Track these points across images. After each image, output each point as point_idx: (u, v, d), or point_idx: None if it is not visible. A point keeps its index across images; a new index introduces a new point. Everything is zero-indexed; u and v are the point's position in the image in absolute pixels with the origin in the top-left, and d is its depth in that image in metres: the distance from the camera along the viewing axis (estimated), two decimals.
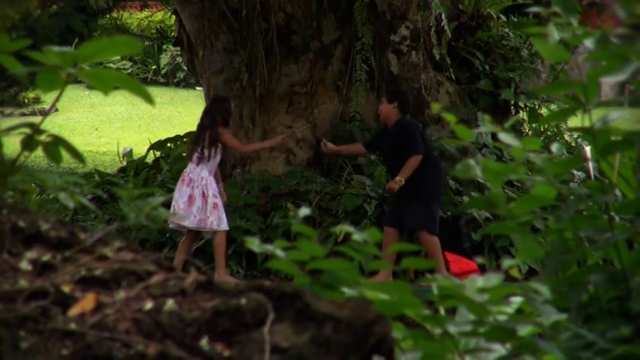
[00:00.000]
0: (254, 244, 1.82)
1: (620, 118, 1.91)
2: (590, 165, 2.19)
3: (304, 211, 1.85)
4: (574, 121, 2.09)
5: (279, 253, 1.80)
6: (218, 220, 8.48)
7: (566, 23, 1.91)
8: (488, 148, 10.02)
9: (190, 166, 8.57)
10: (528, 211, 1.90)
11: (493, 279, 1.77)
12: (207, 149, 8.50)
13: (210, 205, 8.45)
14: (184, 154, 11.00)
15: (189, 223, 8.42)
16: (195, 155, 8.52)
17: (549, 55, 1.89)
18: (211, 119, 8.54)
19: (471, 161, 1.88)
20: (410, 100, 8.93)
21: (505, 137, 1.91)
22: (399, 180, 8.21)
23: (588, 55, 1.90)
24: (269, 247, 1.81)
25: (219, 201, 8.54)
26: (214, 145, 8.50)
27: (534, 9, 1.98)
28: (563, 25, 1.91)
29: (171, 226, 8.63)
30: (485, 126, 1.94)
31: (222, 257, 8.51)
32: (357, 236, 1.81)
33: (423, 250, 8.28)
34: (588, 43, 1.88)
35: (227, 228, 8.53)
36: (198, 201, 8.44)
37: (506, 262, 1.83)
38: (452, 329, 1.77)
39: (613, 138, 1.92)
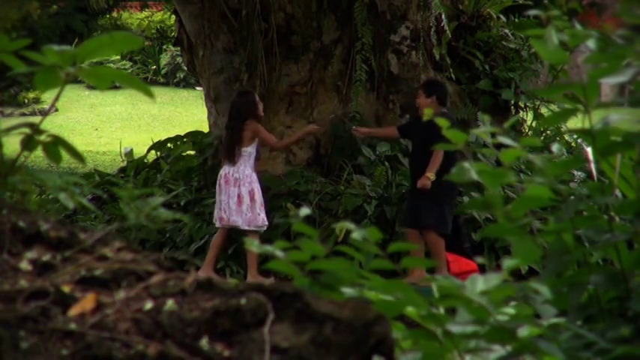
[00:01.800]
0: (254, 244, 1.82)
1: (620, 120, 1.91)
2: (593, 166, 2.19)
3: (305, 210, 1.85)
4: (573, 122, 2.09)
5: (279, 253, 1.80)
6: (264, 216, 8.56)
7: (565, 26, 1.91)
8: (488, 148, 10.00)
9: (233, 167, 8.55)
10: (525, 213, 1.90)
11: (493, 279, 1.77)
12: (245, 147, 8.51)
13: (258, 202, 8.52)
14: (184, 154, 11.00)
15: (242, 222, 8.45)
16: (237, 155, 8.52)
17: (548, 56, 1.89)
18: (240, 117, 8.52)
19: (466, 164, 1.88)
20: (446, 89, 8.92)
21: (502, 138, 1.91)
22: (430, 175, 8.10)
23: (587, 57, 1.90)
24: (269, 248, 1.81)
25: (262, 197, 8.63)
26: (252, 141, 8.51)
27: (533, 11, 1.98)
28: (562, 28, 1.91)
29: (218, 224, 8.60)
30: (485, 127, 1.94)
31: (256, 257, 8.50)
32: (356, 235, 1.81)
33: (428, 249, 8.29)
34: (590, 44, 1.88)
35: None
36: (246, 199, 8.48)
37: (507, 262, 1.83)
38: (452, 329, 1.77)
39: (613, 138, 1.92)
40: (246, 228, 8.49)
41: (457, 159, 8.38)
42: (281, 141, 9.22)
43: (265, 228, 8.60)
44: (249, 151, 8.56)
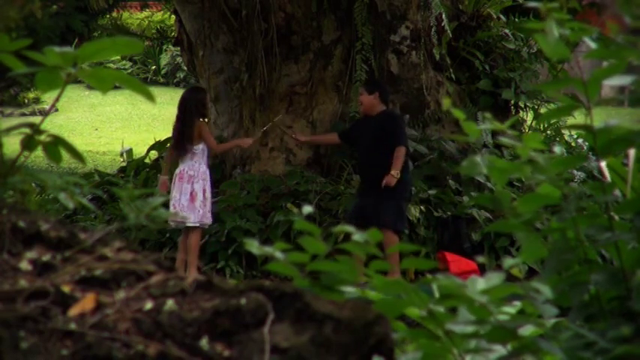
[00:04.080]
0: (253, 245, 1.82)
1: (620, 123, 1.91)
2: (607, 175, 2.19)
3: (307, 209, 1.84)
4: (571, 122, 2.09)
5: (278, 255, 1.79)
6: (209, 213, 8.58)
7: (566, 20, 1.91)
8: (489, 147, 10.01)
9: (188, 163, 8.57)
10: (532, 210, 1.91)
11: (494, 278, 1.77)
12: (197, 144, 8.53)
13: (209, 200, 8.54)
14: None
15: (194, 219, 8.45)
16: (190, 151, 8.54)
17: (552, 51, 1.88)
18: (188, 113, 8.57)
19: (477, 158, 1.88)
20: (387, 88, 9.02)
21: (505, 138, 1.91)
22: (396, 173, 8.19)
23: (588, 53, 1.90)
24: (268, 250, 1.80)
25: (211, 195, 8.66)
26: (201, 139, 8.55)
27: (533, 3, 1.97)
28: (563, 22, 1.91)
29: (172, 225, 8.63)
30: (487, 124, 1.93)
31: (197, 253, 8.56)
32: (357, 237, 1.81)
33: (383, 247, 8.31)
34: (589, 41, 1.88)
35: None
36: (200, 196, 8.50)
37: (508, 262, 1.83)
38: (452, 328, 1.76)
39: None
40: (195, 224, 8.48)
41: (409, 156, 8.52)
42: (219, 145, 9.15)
43: (209, 223, 8.62)
44: (202, 147, 8.57)
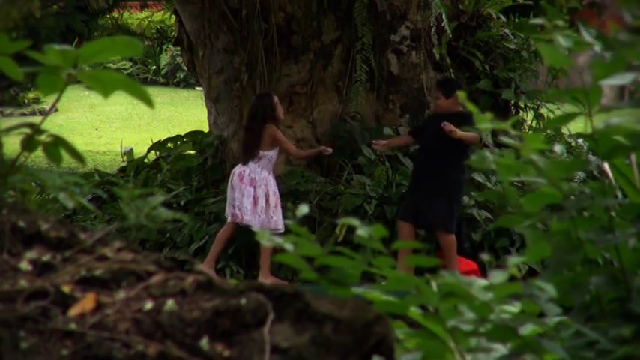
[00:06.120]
0: (264, 236, 1.81)
1: (622, 121, 1.91)
2: (611, 177, 2.19)
3: (303, 209, 1.84)
4: (575, 123, 2.09)
5: (288, 246, 1.78)
6: (281, 220, 8.56)
7: (568, 34, 1.91)
8: (489, 147, 10.00)
9: (251, 166, 8.60)
10: (536, 208, 1.91)
11: (499, 276, 1.76)
12: (267, 151, 8.55)
13: (272, 205, 8.54)
14: (184, 154, 11.00)
15: (256, 223, 8.46)
16: (255, 156, 8.57)
17: (553, 60, 1.89)
18: (257, 120, 8.56)
19: (487, 152, 1.89)
20: (462, 85, 8.79)
21: (506, 138, 1.91)
22: (456, 133, 7.74)
23: (591, 63, 1.90)
24: (279, 240, 1.79)
25: (279, 201, 8.63)
26: (273, 146, 8.56)
27: (538, 20, 1.98)
28: (567, 36, 1.91)
29: (230, 220, 8.60)
30: (489, 124, 1.93)
31: (269, 259, 8.44)
32: (361, 231, 1.80)
33: (441, 248, 8.31)
34: (597, 48, 1.88)
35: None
36: (261, 201, 8.52)
37: (511, 260, 1.82)
38: (452, 325, 1.76)
39: (616, 138, 1.92)
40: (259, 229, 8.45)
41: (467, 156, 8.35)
42: (300, 151, 9.11)
43: (281, 231, 8.48)
44: (271, 155, 8.61)
